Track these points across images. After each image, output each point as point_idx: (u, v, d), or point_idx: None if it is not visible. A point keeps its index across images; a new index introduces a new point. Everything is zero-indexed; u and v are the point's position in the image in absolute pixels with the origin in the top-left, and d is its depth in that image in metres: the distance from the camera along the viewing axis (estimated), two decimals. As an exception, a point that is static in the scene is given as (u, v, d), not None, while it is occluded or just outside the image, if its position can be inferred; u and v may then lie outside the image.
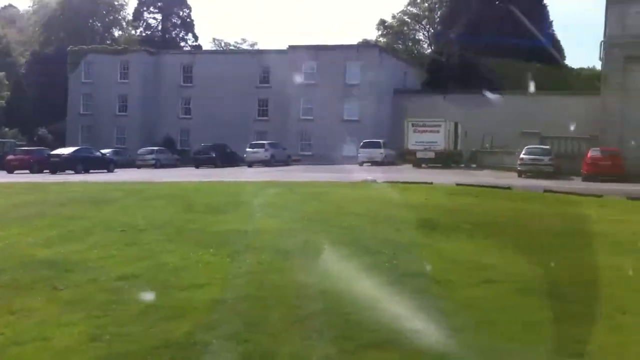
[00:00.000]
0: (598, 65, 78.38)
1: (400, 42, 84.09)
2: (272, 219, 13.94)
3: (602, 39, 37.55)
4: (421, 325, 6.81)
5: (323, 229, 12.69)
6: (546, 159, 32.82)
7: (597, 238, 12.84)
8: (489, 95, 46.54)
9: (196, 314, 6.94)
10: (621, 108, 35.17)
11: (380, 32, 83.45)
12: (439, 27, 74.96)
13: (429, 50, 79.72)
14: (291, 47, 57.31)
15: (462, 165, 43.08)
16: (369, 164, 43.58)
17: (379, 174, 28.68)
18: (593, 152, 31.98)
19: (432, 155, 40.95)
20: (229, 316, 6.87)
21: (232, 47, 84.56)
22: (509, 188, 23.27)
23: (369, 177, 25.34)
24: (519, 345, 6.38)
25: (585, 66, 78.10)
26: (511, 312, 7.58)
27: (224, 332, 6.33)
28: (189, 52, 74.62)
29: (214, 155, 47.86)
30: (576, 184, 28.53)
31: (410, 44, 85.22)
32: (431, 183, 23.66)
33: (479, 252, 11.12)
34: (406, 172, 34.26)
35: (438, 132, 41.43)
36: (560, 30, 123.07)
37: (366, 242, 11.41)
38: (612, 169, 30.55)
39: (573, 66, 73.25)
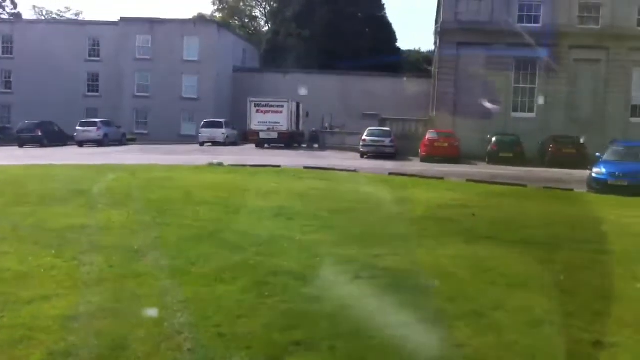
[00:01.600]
0: (424, 48, 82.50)
1: (236, 18, 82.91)
2: (117, 211, 12.86)
3: (432, 22, 39.09)
4: (299, 334, 6.34)
5: (175, 221, 11.85)
6: (387, 140, 33.71)
7: (449, 224, 13.13)
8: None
9: (48, 336, 5.98)
10: (454, 92, 36.87)
11: (216, 7, 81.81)
12: (275, 5, 74.66)
13: (266, 28, 79.37)
14: (123, 20, 54.43)
15: (305, 145, 43.27)
16: (210, 144, 42.56)
17: (224, 156, 27.89)
18: (430, 134, 33.26)
19: (275, 135, 40.73)
20: (87, 336, 5.99)
21: (55, 16, 78.99)
22: (355, 171, 23.54)
23: (215, 160, 24.51)
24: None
25: (413, 48, 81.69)
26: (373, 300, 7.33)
27: (84, 359, 5.47)
28: (7, 20, 68.57)
29: (40, 134, 44.41)
30: (416, 165, 29.56)
31: (247, 20, 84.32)
32: (279, 166, 23.34)
33: (338, 243, 10.85)
34: (250, 154, 33.74)
35: (281, 112, 41.23)
36: (391, 12, 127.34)
37: (225, 235, 10.77)
38: (448, 151, 31.94)
39: (402, 48, 76.29)
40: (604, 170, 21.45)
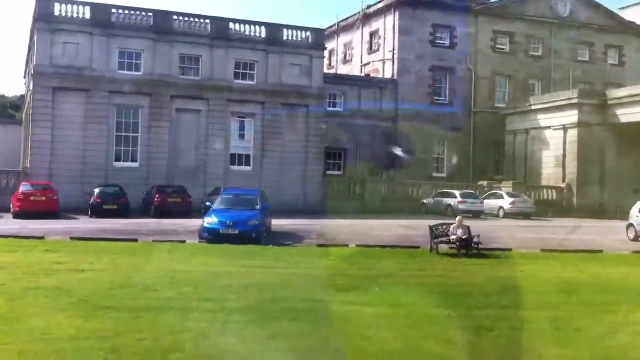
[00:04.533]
0: (10, 92, 76.29)
1: None
2: None
3: (24, 65, 35.48)
4: None
5: None
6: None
7: (59, 294, 11.20)
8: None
9: None
10: (51, 140, 33.86)
11: None
12: None
13: None
14: None
15: None
16: None
17: None
18: (24, 187, 29.65)
19: None
20: None
21: None
22: None
23: None
24: None
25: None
26: None
27: None
28: None
29: None
30: (10, 222, 25.85)
31: None
32: None
33: None
34: None
35: None
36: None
37: None
38: (45, 205, 28.83)
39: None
40: (215, 219, 21.24)
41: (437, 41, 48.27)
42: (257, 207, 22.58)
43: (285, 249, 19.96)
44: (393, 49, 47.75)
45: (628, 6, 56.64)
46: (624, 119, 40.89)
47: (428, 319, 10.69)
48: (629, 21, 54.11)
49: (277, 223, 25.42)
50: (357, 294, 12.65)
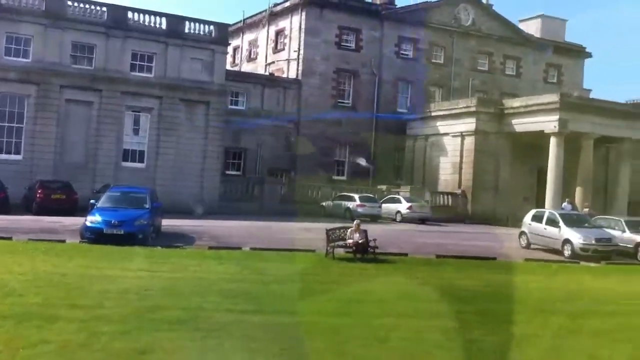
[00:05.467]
0: None
1: None
2: None
3: None
4: None
5: None
6: None
7: None
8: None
9: None
10: None
11: None
12: None
13: None
14: None
15: None
16: None
17: None
18: None
19: None
20: None
21: None
22: None
23: None
24: None
25: None
26: None
27: None
28: None
29: None
30: None
31: None
32: None
33: None
34: None
35: None
36: None
37: None
38: None
39: None
40: (99, 218, 19.82)
41: (343, 44, 48.05)
42: (146, 206, 21.27)
43: (174, 251, 18.92)
44: (299, 49, 47.16)
45: (528, 19, 58.48)
46: (518, 128, 41.93)
47: (320, 328, 10.03)
48: (528, 34, 55.90)
49: (169, 223, 24.26)
50: (246, 301, 11.88)
